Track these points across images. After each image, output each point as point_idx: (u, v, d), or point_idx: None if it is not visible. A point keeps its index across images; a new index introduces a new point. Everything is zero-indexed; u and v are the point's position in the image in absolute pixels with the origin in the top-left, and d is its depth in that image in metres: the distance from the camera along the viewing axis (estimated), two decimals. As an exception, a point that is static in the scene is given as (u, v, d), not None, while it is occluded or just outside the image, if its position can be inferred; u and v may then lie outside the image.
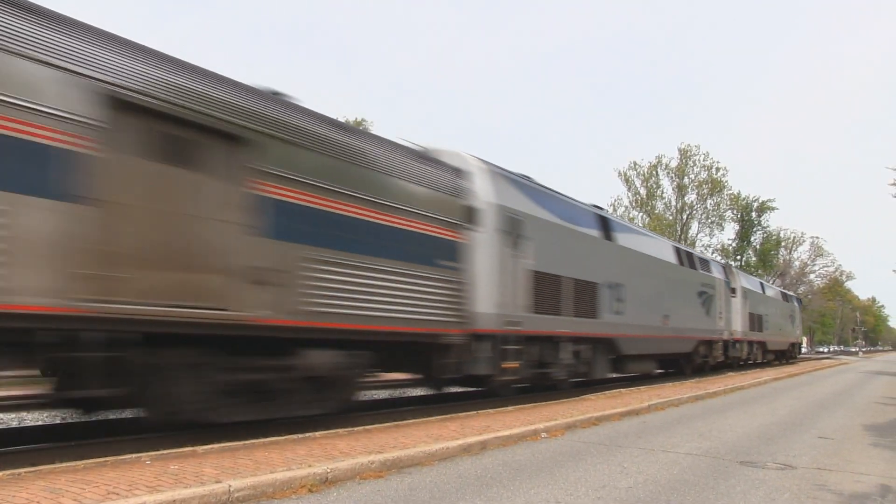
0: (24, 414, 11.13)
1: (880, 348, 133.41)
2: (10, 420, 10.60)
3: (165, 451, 6.22)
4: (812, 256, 77.30)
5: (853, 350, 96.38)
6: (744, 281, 27.95)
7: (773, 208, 66.52)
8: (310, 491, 5.24)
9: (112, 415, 11.45)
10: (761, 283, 33.27)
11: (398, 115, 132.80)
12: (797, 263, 75.88)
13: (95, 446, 6.97)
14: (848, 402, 14.31)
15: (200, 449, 6.43)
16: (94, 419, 10.74)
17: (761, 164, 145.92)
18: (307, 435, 7.57)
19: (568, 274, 13.62)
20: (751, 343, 28.09)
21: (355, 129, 9.62)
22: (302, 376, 8.11)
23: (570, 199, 15.46)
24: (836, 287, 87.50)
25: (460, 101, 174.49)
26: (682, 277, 20.60)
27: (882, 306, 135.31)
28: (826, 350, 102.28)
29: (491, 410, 10.62)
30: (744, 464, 6.86)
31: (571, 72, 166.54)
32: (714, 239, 75.05)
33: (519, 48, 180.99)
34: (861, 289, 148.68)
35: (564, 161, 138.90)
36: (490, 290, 11.15)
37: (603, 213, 16.91)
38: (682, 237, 60.93)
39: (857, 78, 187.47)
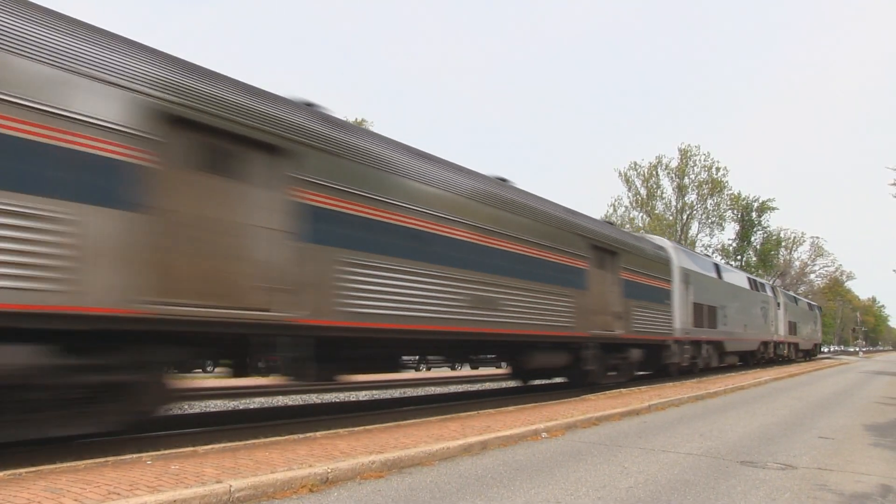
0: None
1: (881, 348, 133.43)
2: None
3: (166, 451, 6.22)
4: (812, 256, 77.47)
5: (851, 350, 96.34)
6: (784, 297, 37.02)
7: (773, 208, 66.59)
8: (310, 491, 5.25)
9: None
10: (795, 297, 42.35)
11: (395, 114, 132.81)
12: (797, 263, 76.00)
13: (96, 446, 6.98)
14: (848, 402, 14.30)
15: (201, 449, 6.44)
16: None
17: (761, 164, 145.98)
18: (308, 435, 7.57)
19: (705, 302, 22.44)
20: (789, 344, 37.06)
21: (636, 235, 18.78)
22: (628, 362, 16.33)
23: (702, 255, 29.14)
24: (836, 287, 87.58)
25: (458, 99, 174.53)
26: (752, 298, 29.48)
27: (882, 306, 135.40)
28: (826, 350, 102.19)
29: (492, 410, 10.63)
30: (744, 464, 6.86)
31: (571, 71, 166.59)
32: (714, 239, 75.30)
33: (518, 47, 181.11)
34: (861, 289, 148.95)
35: (564, 160, 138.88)
36: (678, 315, 19.81)
37: (716, 262, 27.69)
38: (683, 237, 60.93)
39: (857, 78, 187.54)
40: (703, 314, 22.08)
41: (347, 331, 8.35)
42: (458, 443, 7.11)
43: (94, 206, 5.95)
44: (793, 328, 37.40)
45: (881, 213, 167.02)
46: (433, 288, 9.61)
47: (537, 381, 16.85)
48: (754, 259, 67.57)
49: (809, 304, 47.87)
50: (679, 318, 19.78)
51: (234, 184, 7.24)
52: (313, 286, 7.80)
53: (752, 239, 67.14)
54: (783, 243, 71.90)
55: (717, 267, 25.83)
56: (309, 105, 8.89)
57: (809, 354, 44.25)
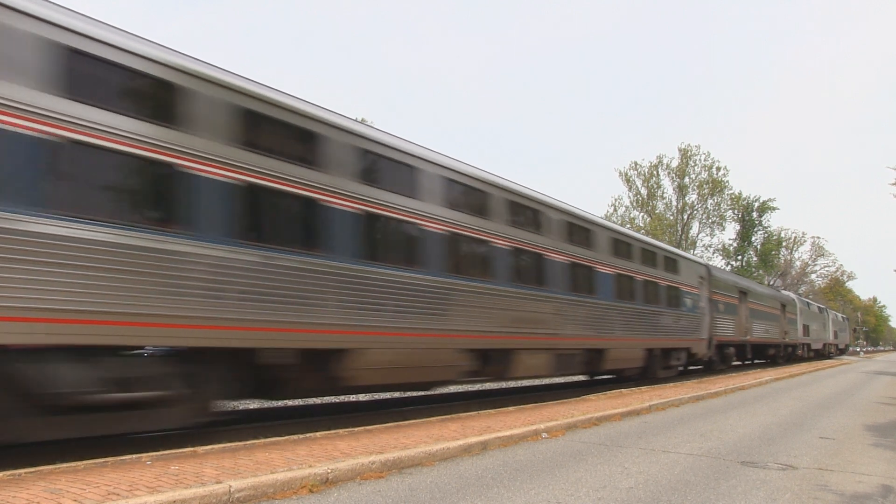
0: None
1: (881, 348, 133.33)
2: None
3: (166, 452, 6.22)
4: (813, 256, 77.42)
5: (847, 350, 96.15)
6: (831, 314, 55.76)
7: (773, 208, 66.66)
8: (310, 491, 5.24)
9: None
10: (836, 313, 61.34)
11: (394, 112, 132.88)
12: (798, 263, 75.98)
13: (95, 447, 6.97)
14: (849, 403, 14.29)
15: (201, 449, 6.44)
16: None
17: (761, 164, 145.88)
18: (308, 435, 7.57)
19: (804, 322, 41.43)
20: (833, 345, 55.25)
21: (782, 294, 40.87)
22: (788, 352, 37.66)
23: (798, 295, 50.01)
24: (837, 287, 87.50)
25: (458, 98, 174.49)
26: (818, 317, 48.25)
27: (883, 306, 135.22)
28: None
29: (492, 411, 10.62)
30: (745, 464, 6.85)
31: (571, 71, 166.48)
32: (715, 239, 75.21)
33: (518, 47, 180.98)
34: (862, 289, 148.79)
35: (564, 159, 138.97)
36: (799, 330, 40.17)
37: (806, 299, 49.18)
38: (683, 237, 60.92)
39: (857, 78, 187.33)
40: (805, 329, 41.49)
41: (753, 342, 29.31)
42: (459, 443, 7.10)
43: (696, 315, 21.48)
44: (835, 334, 56.70)
45: (882, 213, 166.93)
46: (762, 326, 30.84)
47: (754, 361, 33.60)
48: (755, 259, 67.56)
49: (843, 317, 68.14)
50: (799, 332, 39.73)
51: (733, 301, 26.78)
52: (749, 328, 28.31)
53: (753, 239, 67.15)
54: (784, 243, 71.94)
55: (807, 302, 46.44)
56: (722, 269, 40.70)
57: (842, 352, 63.88)
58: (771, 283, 65.69)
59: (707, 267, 24.31)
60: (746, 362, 32.14)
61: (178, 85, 7.28)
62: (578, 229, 14.74)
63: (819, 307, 50.91)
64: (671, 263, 19.88)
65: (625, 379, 18.13)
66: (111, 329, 6.33)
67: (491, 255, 11.60)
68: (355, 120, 10.96)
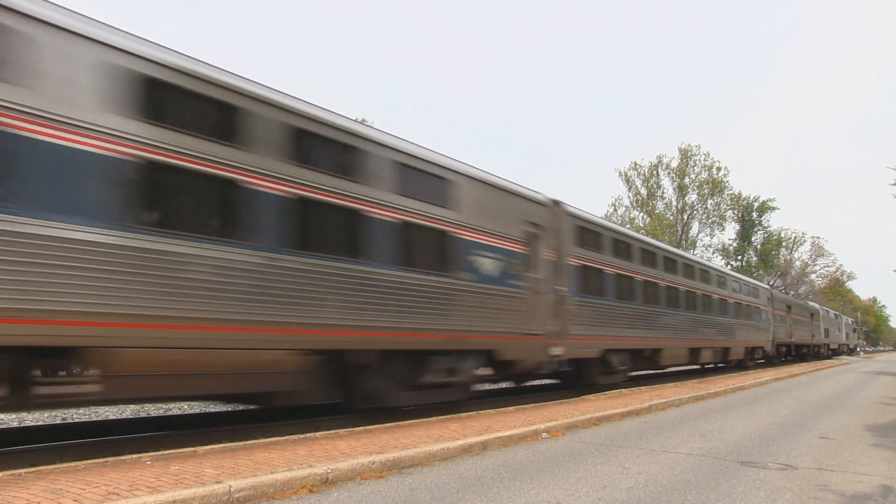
0: (23, 414, 11.14)
1: (881, 348, 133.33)
2: (10, 420, 10.61)
3: (166, 452, 6.22)
4: (813, 256, 77.46)
5: (856, 349, 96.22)
6: (844, 318, 64.38)
7: (773, 208, 66.77)
8: (310, 491, 5.24)
9: (112, 415, 11.47)
10: (847, 318, 69.25)
11: (394, 111, 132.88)
12: (798, 263, 76.02)
13: (95, 446, 6.98)
14: (849, 403, 14.28)
15: (201, 449, 6.44)
16: (94, 419, 10.76)
17: (761, 163, 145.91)
18: (307, 435, 7.57)
19: (825, 326, 49.48)
20: (846, 344, 63.09)
21: (809, 305, 46.98)
22: (816, 351, 46.83)
23: (826, 308, 57.36)
24: (837, 287, 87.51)
25: (457, 97, 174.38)
26: (835, 321, 54.97)
27: (883, 306, 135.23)
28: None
29: (491, 411, 10.62)
30: (745, 464, 6.85)
31: (571, 71, 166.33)
32: (715, 239, 75.25)
33: (518, 47, 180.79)
34: (862, 289, 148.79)
35: (564, 160, 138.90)
36: (822, 332, 48.12)
37: (826, 308, 55.26)
38: (683, 237, 60.94)
39: (857, 78, 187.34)
40: (826, 332, 48.59)
41: (794, 343, 39.14)
42: (458, 443, 7.10)
43: (767, 324, 32.13)
44: (847, 336, 64.57)
45: (882, 213, 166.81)
46: (798, 330, 39.48)
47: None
48: (755, 259, 67.58)
49: (853, 320, 76.53)
50: (822, 335, 46.47)
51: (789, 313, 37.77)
52: (791, 332, 37.36)
53: (753, 239, 67.20)
54: (784, 243, 71.99)
55: (827, 310, 52.99)
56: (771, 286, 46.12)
57: (852, 350, 70.71)
58: (771, 283, 65.91)
59: (771, 290, 35.48)
60: (783, 359, 39.74)
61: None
62: (721, 279, 25.80)
63: (835, 314, 60.08)
64: (754, 291, 30.87)
65: (730, 366, 27.93)
66: (623, 343, 16.14)
67: (696, 298, 22.05)
68: (356, 120, 10.98)
